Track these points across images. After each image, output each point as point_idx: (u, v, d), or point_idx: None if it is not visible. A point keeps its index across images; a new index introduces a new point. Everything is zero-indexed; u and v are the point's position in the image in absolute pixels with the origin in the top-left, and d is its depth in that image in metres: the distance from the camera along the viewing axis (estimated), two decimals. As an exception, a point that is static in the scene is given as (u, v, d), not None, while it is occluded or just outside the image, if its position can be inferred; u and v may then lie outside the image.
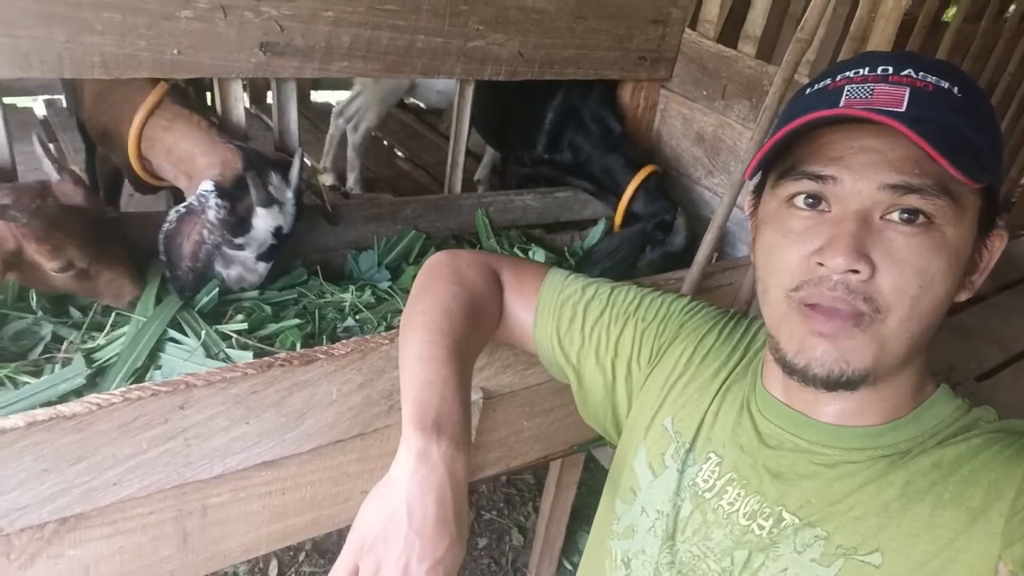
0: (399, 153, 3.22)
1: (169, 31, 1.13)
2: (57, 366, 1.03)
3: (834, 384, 0.62)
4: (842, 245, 0.58)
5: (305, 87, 3.46)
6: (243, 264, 1.23)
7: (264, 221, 1.19)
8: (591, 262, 1.58)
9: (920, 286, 0.59)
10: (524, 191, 1.73)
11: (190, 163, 1.21)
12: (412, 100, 3.82)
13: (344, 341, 0.97)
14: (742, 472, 0.72)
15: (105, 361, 1.05)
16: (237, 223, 1.17)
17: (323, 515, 1.13)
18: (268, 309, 1.22)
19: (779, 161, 0.66)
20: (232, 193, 1.16)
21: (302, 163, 1.27)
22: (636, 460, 0.81)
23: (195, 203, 1.14)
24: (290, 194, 1.23)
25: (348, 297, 1.31)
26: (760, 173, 0.71)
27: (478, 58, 1.44)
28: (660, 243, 1.49)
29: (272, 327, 1.18)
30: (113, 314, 1.14)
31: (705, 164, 1.74)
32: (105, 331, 1.12)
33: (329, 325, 1.24)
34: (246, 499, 1.02)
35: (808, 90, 0.66)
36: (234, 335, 1.12)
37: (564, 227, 1.80)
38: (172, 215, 1.14)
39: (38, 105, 2.91)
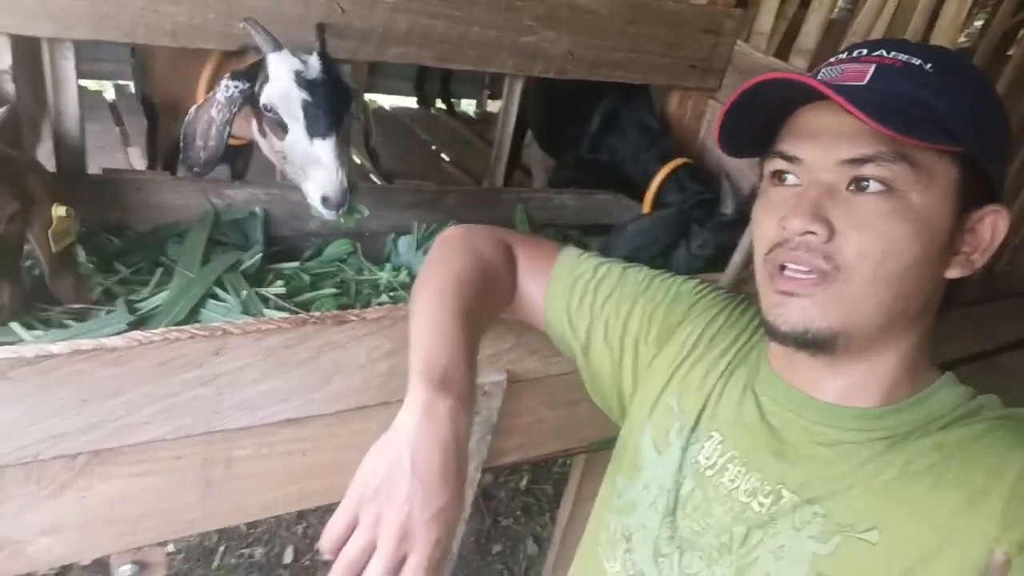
0: (445, 158, 3.28)
1: (238, 5, 1.19)
2: (103, 313, 1.08)
3: (801, 341, 0.65)
4: (799, 208, 0.63)
5: (359, 90, 3.55)
6: (306, 156, 1.14)
7: (278, 65, 1.12)
8: (619, 241, 1.51)
9: (883, 250, 0.61)
10: (564, 190, 1.75)
11: None
12: (478, 109, 3.96)
13: (376, 307, 1.00)
14: (744, 450, 0.73)
15: (149, 311, 1.09)
16: (264, 84, 1.14)
17: (340, 484, 1.11)
18: (307, 279, 1.26)
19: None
20: (248, 72, 1.15)
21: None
22: (642, 438, 0.82)
23: (212, 95, 1.16)
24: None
25: (384, 275, 1.33)
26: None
27: (529, 54, 1.47)
28: (708, 217, 1.42)
29: (309, 295, 1.21)
30: (159, 271, 1.19)
31: (749, 177, 1.73)
32: (150, 286, 1.16)
33: (364, 299, 1.27)
34: (269, 456, 1.04)
35: None
36: (273, 297, 1.16)
37: (601, 230, 1.81)
38: (192, 109, 1.16)
39: (108, 93, 3.06)
